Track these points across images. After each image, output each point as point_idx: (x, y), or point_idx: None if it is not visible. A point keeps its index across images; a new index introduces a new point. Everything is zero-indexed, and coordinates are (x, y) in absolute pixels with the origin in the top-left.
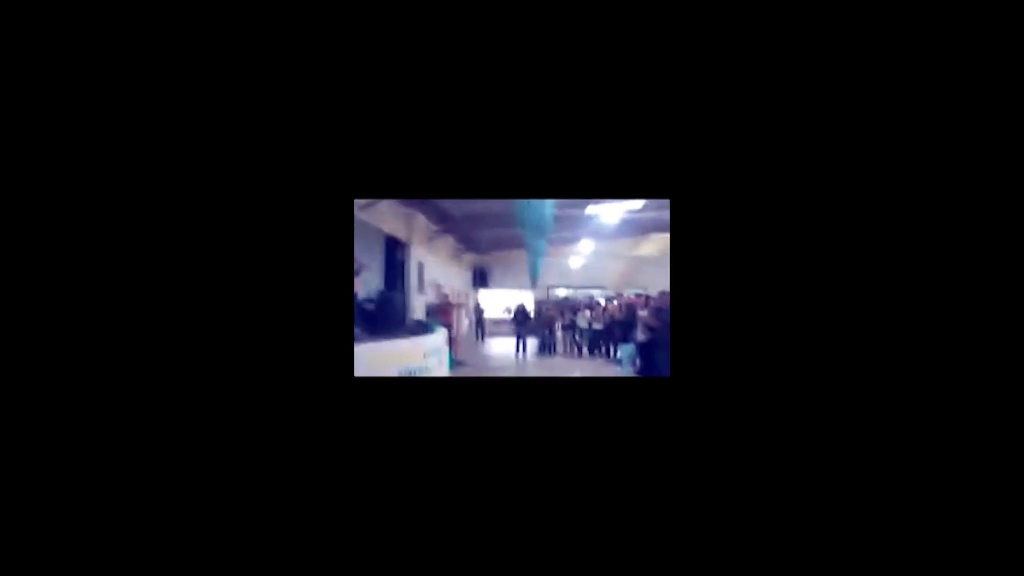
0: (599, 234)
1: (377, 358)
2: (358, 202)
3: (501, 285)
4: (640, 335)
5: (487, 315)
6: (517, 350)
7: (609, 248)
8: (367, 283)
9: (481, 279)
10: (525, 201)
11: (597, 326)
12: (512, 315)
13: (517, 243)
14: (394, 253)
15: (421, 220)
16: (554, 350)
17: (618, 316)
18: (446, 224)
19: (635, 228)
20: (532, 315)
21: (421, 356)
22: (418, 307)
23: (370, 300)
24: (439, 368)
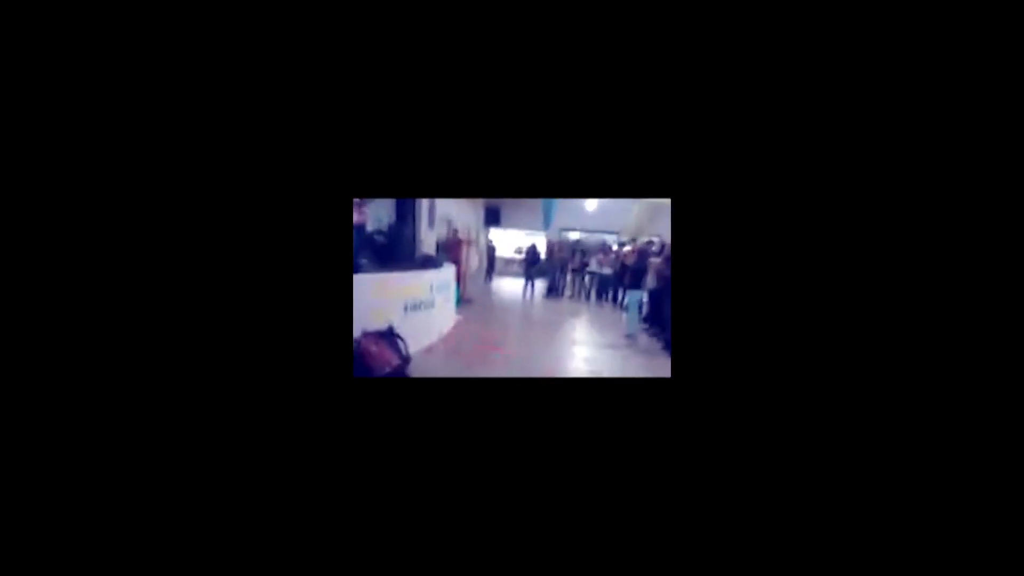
0: None
1: (384, 289)
2: None
3: (514, 225)
4: (651, 282)
5: (498, 254)
6: (525, 291)
7: None
8: (378, 216)
9: (493, 218)
10: None
11: (607, 271)
12: (523, 255)
13: None
14: None
15: None
16: (562, 293)
17: (629, 262)
18: None
19: None
20: (543, 257)
21: (428, 289)
22: (428, 242)
23: (380, 232)
24: (446, 304)
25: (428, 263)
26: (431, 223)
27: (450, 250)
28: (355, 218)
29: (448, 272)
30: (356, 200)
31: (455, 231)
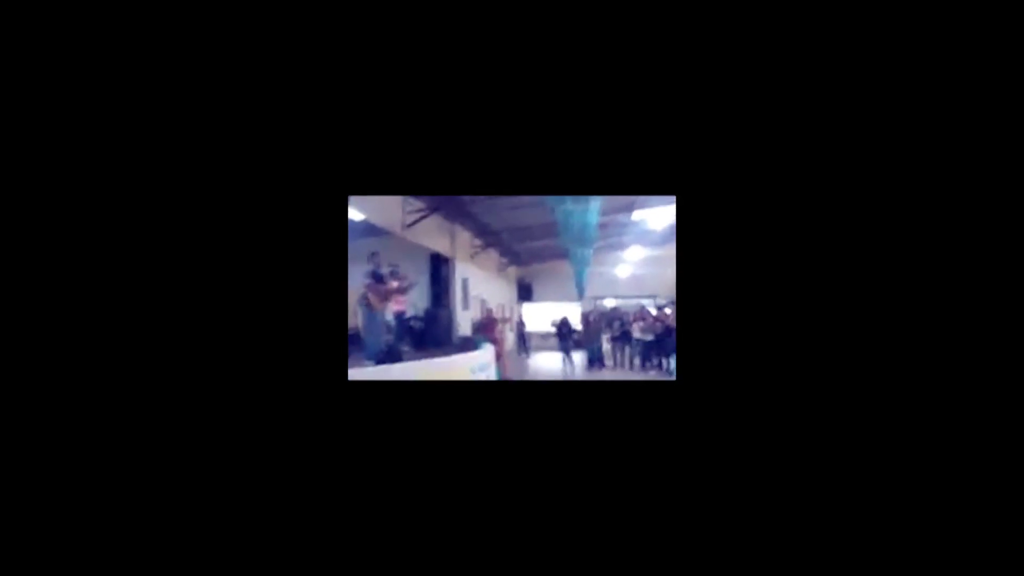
0: (647, 240)
1: (426, 376)
2: (405, 220)
3: (546, 298)
4: None
5: (530, 329)
6: (564, 365)
7: (659, 254)
8: (414, 301)
9: (526, 293)
10: (567, 210)
11: (650, 337)
12: (556, 329)
13: (561, 254)
14: (439, 270)
15: (464, 236)
16: (603, 363)
17: (673, 324)
18: (489, 238)
19: None
20: (577, 328)
21: (469, 372)
22: (464, 323)
23: (417, 318)
24: None
25: (466, 345)
26: (466, 304)
27: (486, 329)
28: (396, 307)
29: (487, 352)
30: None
31: (489, 310)
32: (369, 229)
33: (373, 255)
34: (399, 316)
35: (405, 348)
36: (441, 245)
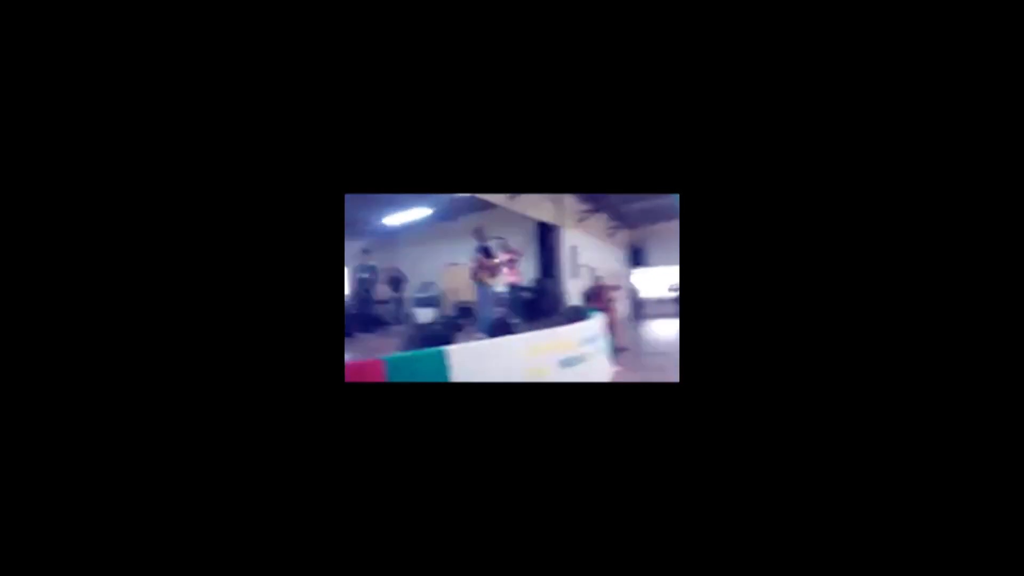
0: None
1: (535, 349)
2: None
3: (661, 262)
4: None
5: (644, 295)
6: None
7: None
8: (523, 272)
9: (637, 258)
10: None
11: None
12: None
13: (674, 212)
14: (546, 239)
15: (570, 202)
16: None
17: None
18: (595, 202)
19: None
20: None
21: (577, 344)
22: (573, 292)
23: (527, 288)
24: (598, 356)
25: (576, 315)
26: (575, 272)
27: (595, 298)
28: (510, 278)
29: (597, 322)
30: (509, 256)
31: (599, 278)
32: (474, 203)
33: (478, 230)
34: (514, 287)
35: (516, 320)
36: (547, 213)
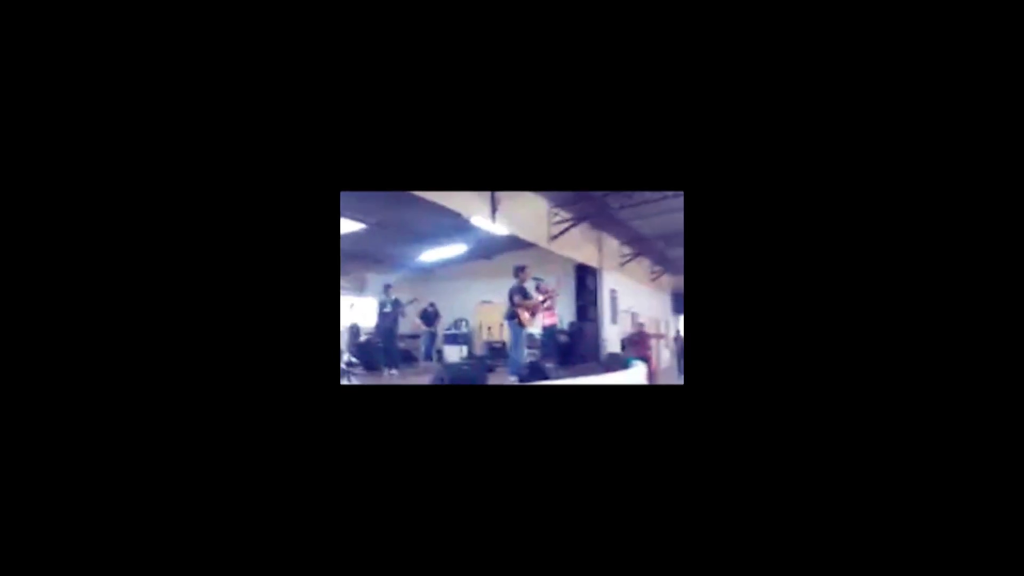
0: None
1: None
2: (551, 232)
3: None
4: None
5: None
6: None
7: None
8: (560, 315)
9: (682, 304)
10: None
11: None
12: None
13: None
14: (585, 281)
15: (612, 244)
16: None
17: None
18: (639, 245)
19: None
20: None
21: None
22: (612, 339)
23: (563, 331)
24: None
25: (614, 363)
26: (614, 318)
27: (637, 346)
28: (547, 320)
29: (638, 371)
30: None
31: (640, 324)
32: (514, 242)
33: (520, 270)
34: (550, 329)
35: (549, 364)
36: (588, 255)
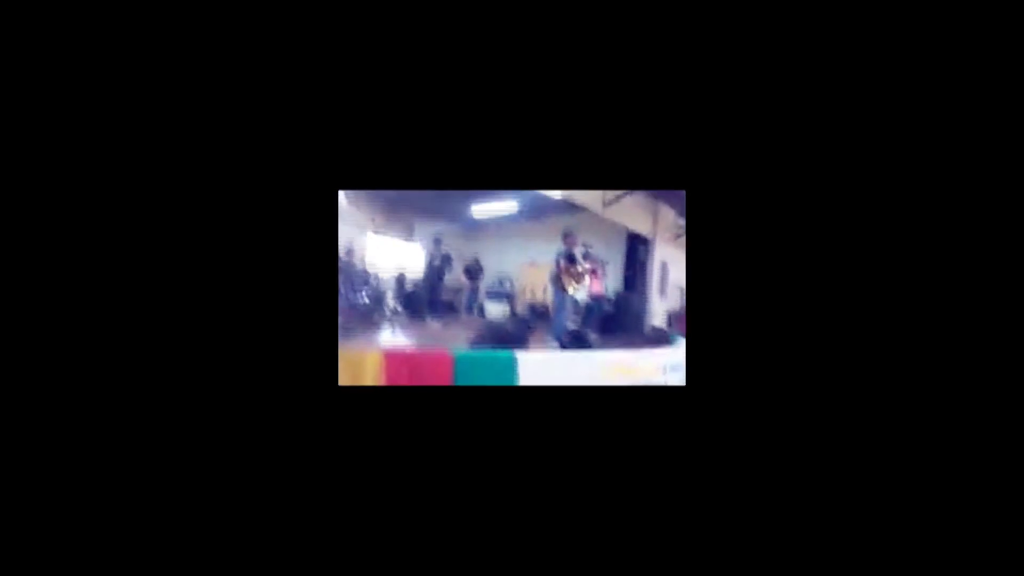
0: None
1: (611, 369)
2: (605, 198)
3: None
4: None
5: None
6: None
7: None
8: (606, 283)
9: None
10: None
11: None
12: None
13: None
14: (635, 251)
15: (668, 214)
16: None
17: None
18: None
19: None
20: None
21: (660, 371)
22: (659, 313)
23: (608, 299)
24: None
25: (659, 338)
26: (663, 291)
27: (683, 323)
28: (594, 288)
29: (680, 349)
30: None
31: None
32: (563, 205)
33: (568, 236)
34: (597, 298)
35: (592, 334)
36: (641, 224)
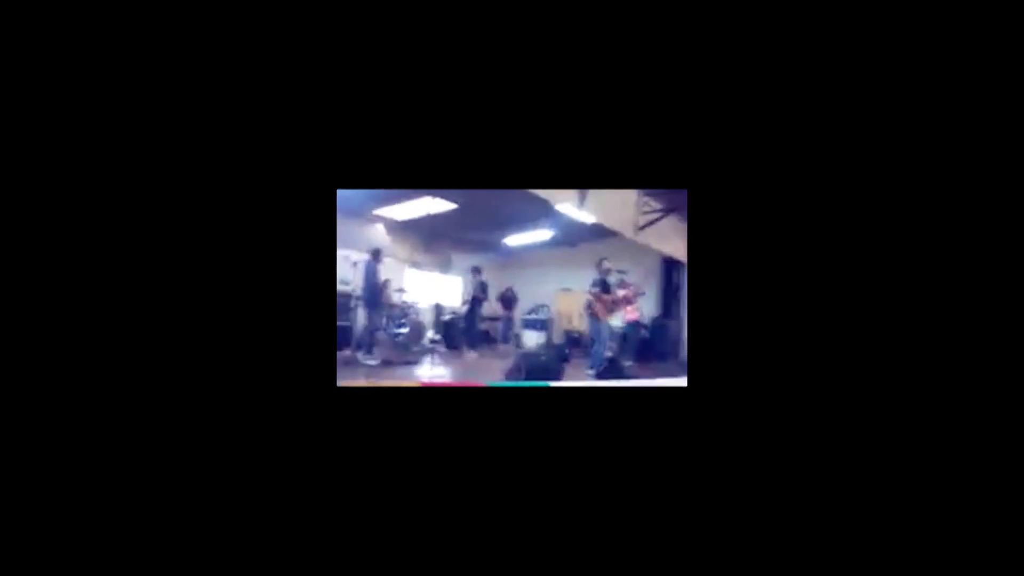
0: None
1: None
2: (638, 221)
3: None
4: None
5: None
6: None
7: None
8: (642, 309)
9: None
10: None
11: None
12: None
13: None
14: (671, 276)
15: None
16: None
17: None
18: None
19: None
20: None
21: None
22: None
23: (644, 326)
24: None
25: None
26: None
27: None
28: (629, 316)
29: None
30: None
31: None
32: (599, 232)
33: (601, 262)
34: (633, 324)
35: (628, 362)
36: (675, 248)
